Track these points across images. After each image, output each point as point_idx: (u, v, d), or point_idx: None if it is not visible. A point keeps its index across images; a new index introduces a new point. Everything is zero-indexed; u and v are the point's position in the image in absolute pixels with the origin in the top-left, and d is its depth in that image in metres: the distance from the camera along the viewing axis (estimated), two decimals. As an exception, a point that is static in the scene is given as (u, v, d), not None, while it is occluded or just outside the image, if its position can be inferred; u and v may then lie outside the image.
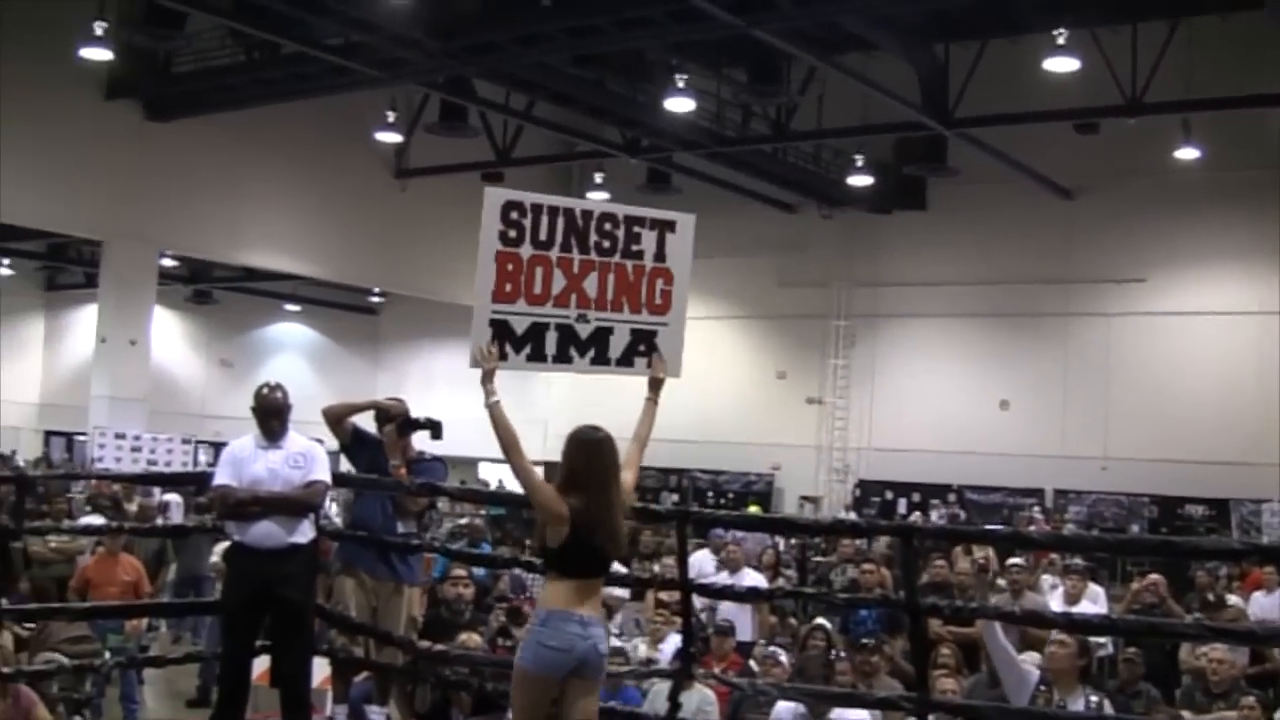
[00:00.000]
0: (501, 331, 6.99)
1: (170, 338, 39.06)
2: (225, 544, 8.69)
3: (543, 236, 7.02)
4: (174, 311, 39.42)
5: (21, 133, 25.59)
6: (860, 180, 28.94)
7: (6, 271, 40.36)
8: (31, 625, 11.01)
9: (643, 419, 7.20)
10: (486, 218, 6.95)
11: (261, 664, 8.73)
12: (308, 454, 8.28)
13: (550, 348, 7.14)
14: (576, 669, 6.41)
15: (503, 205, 6.98)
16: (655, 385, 7.31)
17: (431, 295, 34.88)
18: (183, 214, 28.41)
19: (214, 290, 40.66)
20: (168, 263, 32.84)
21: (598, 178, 32.36)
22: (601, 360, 7.30)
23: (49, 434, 38.89)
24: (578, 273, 7.11)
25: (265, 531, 8.04)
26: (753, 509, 25.05)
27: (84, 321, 37.74)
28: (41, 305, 43.25)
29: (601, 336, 7.24)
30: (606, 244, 7.19)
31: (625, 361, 7.39)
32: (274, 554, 8.02)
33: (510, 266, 6.98)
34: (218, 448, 32.17)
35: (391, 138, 29.65)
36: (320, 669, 9.25)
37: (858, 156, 28.35)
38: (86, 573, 12.64)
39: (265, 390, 8.45)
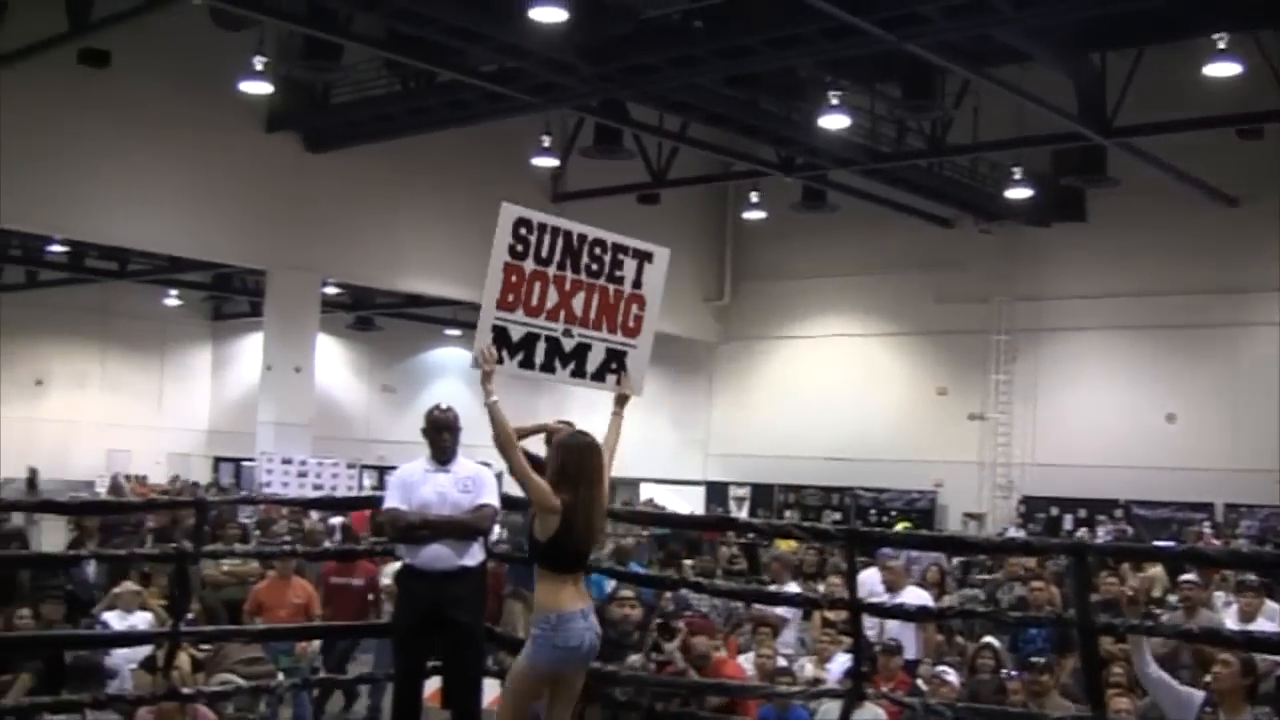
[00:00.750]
0: (500, 337, 7.49)
1: (333, 364, 39.78)
2: (396, 566, 8.79)
3: (544, 254, 7.59)
4: (337, 338, 40.14)
5: (186, 168, 26.34)
6: (1018, 193, 28.58)
7: (174, 302, 41.36)
8: (208, 647, 11.25)
9: (610, 431, 7.54)
10: (499, 231, 7.54)
11: (432, 685, 8.82)
12: (476, 478, 8.35)
13: (539, 357, 7.66)
14: (582, 659, 7.01)
15: (515, 221, 7.57)
16: (622, 401, 7.73)
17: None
18: (344, 242, 28.92)
19: (375, 317, 41.28)
20: (330, 290, 33.43)
21: (753, 197, 32.34)
22: (579, 373, 7.79)
23: (218, 460, 39.72)
24: (568, 290, 7.67)
25: (435, 554, 8.12)
26: (900, 526, 24.77)
27: (249, 349, 38.58)
28: (209, 334, 44.26)
29: (581, 351, 7.75)
30: (595, 266, 7.75)
31: (598, 376, 7.86)
32: (444, 576, 8.10)
33: (514, 278, 7.54)
34: (381, 471, 32.77)
35: (547, 162, 29.88)
36: (490, 690, 9.33)
37: (1015, 169, 28.01)
38: (259, 595, 12.85)
39: (436, 411, 8.55)
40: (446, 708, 8.56)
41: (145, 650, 10.43)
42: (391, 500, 8.36)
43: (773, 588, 13.45)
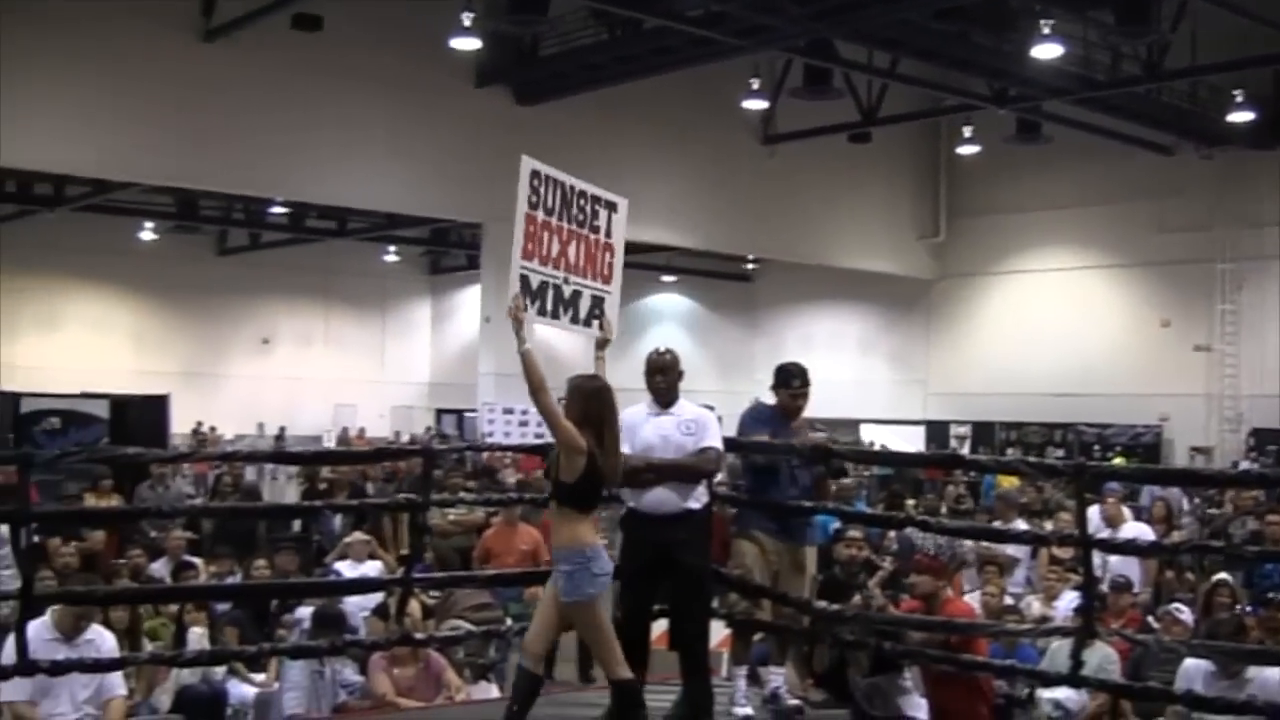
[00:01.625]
0: (524, 286, 7.69)
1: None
2: (620, 510, 8.79)
3: (549, 204, 7.82)
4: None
5: (400, 126, 26.78)
6: (1240, 116, 27.59)
7: (393, 259, 42.11)
8: (437, 594, 11.44)
9: (597, 371, 7.78)
10: (521, 183, 7.77)
11: (659, 628, 8.82)
12: (700, 420, 8.28)
13: (549, 304, 7.86)
14: (607, 587, 7.36)
15: (530, 172, 7.78)
16: (603, 345, 8.03)
17: (805, 259, 34.96)
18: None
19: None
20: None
21: (966, 131, 31.73)
22: (575, 320, 8.03)
23: (440, 412, 40.41)
24: (565, 240, 7.91)
25: (660, 498, 8.08)
26: (1117, 461, 24.19)
27: (468, 302, 39.15)
28: (428, 289, 45.01)
29: (575, 298, 8.02)
30: (580, 216, 8.02)
31: (586, 323, 8.13)
32: (669, 520, 8.06)
33: (532, 228, 7.77)
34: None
35: (757, 105, 29.66)
36: (717, 631, 9.30)
37: (1236, 92, 27.03)
38: (487, 543, 13.04)
39: (654, 354, 8.51)
40: (674, 650, 8.54)
41: (376, 598, 10.64)
42: (616, 444, 8.35)
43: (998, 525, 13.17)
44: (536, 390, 7.11)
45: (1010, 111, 29.50)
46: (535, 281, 7.74)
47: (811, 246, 34.05)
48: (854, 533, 10.30)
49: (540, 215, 7.78)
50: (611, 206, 8.25)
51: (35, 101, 22.92)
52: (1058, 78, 26.11)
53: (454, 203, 28.88)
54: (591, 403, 7.27)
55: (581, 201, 8.01)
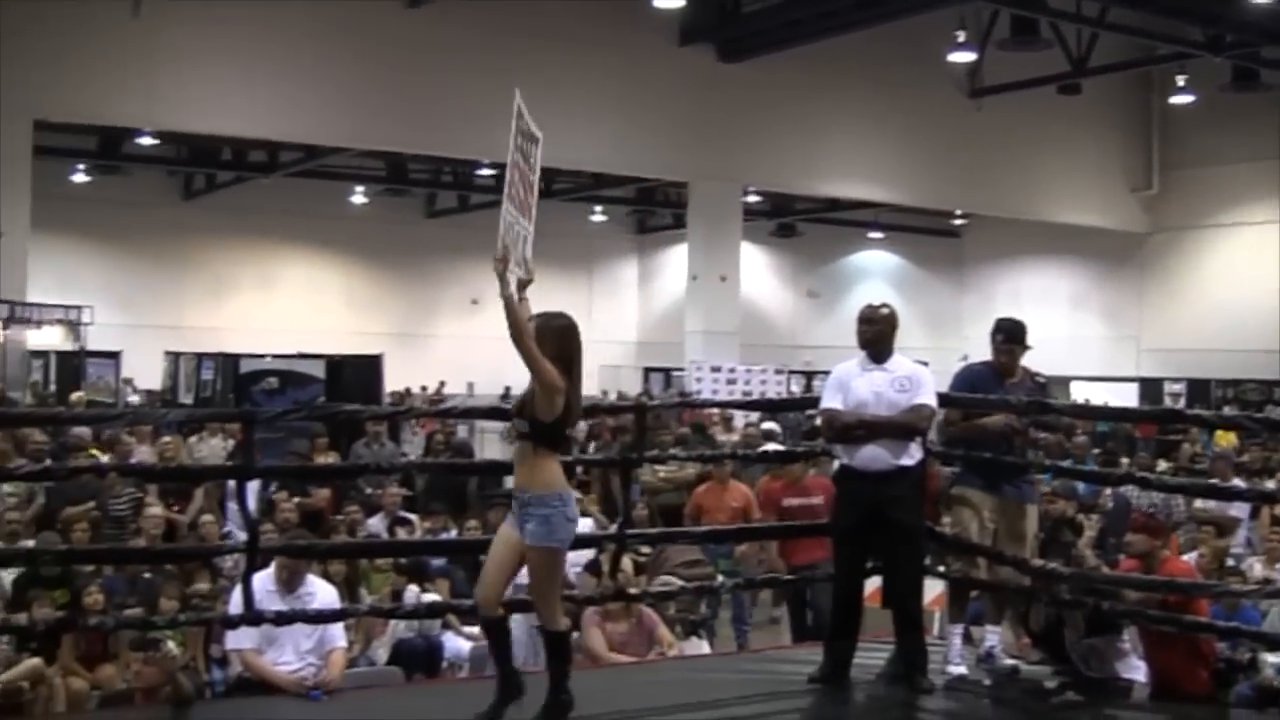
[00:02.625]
0: (508, 231, 7.31)
1: (758, 271, 40.19)
2: (834, 466, 8.74)
3: (517, 143, 7.45)
4: (759, 246, 40.44)
5: (605, 86, 26.94)
6: None
7: (600, 218, 42.34)
8: (647, 550, 11.50)
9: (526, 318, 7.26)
10: (514, 121, 7.45)
11: (873, 584, 8.77)
12: (914, 377, 8.19)
13: (518, 250, 7.40)
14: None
15: (517, 110, 7.46)
16: (525, 286, 7.45)
17: (1014, 214, 34.38)
18: (761, 150, 28.98)
19: (797, 223, 41.40)
20: (751, 199, 33.67)
21: (1180, 80, 30.78)
22: (521, 263, 7.45)
23: (647, 370, 40.59)
24: (518, 179, 7.50)
25: (872, 455, 8.01)
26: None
27: (674, 261, 39.20)
28: (634, 248, 45.18)
29: (526, 241, 7.50)
30: (521, 151, 7.53)
31: (525, 263, 7.54)
32: (881, 476, 7.99)
33: (515, 174, 7.47)
34: (809, 377, 32.91)
35: (963, 57, 29.10)
36: (930, 589, 9.22)
37: None
38: (698, 499, 13.07)
39: (866, 308, 8.43)
40: (886, 607, 8.49)
41: (588, 554, 10.72)
42: (828, 400, 8.28)
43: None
44: (519, 336, 6.93)
45: (1226, 59, 28.53)
46: (511, 228, 7.38)
47: (1020, 200, 33.43)
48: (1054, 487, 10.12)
49: (514, 156, 7.48)
50: (537, 140, 7.72)
51: (249, 72, 23.58)
52: (1277, 22, 25.20)
53: (659, 162, 28.97)
54: (563, 340, 7.19)
55: (520, 138, 7.53)
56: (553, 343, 7.11)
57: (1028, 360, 8.82)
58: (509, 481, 7.80)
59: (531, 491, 6.93)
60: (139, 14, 22.91)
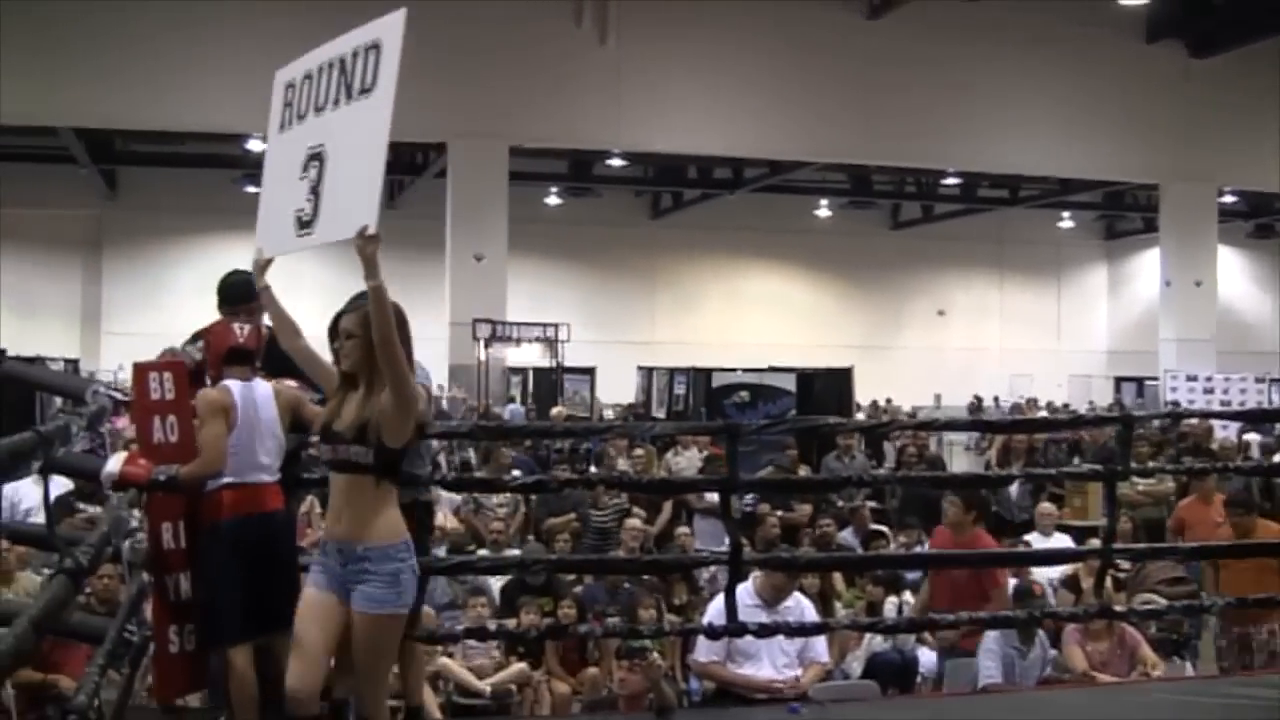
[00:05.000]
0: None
1: (1234, 275, 38.56)
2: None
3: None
4: (1236, 248, 38.80)
5: (1067, 87, 26.50)
6: None
7: (1067, 225, 41.40)
8: (1126, 567, 11.17)
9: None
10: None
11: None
12: None
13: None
14: None
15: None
16: (265, 266, 5.79)
17: None
18: (1238, 148, 27.80)
19: (1277, 223, 39.45)
20: (1226, 199, 32.33)
21: None
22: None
23: (1119, 380, 39.42)
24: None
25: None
26: None
27: (1146, 267, 38.02)
28: (1103, 254, 43.98)
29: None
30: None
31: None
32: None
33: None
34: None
35: None
36: None
37: None
38: (1181, 514, 12.62)
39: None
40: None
41: (1060, 570, 10.51)
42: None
43: None
44: (389, 332, 5.17)
45: None
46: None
47: None
48: None
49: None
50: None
51: (712, 91, 24.27)
52: None
53: (1128, 164, 28.23)
54: (407, 335, 5.44)
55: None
56: (403, 340, 5.36)
57: None
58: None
59: (369, 543, 5.30)
60: (605, 42, 23.87)
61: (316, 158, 5.59)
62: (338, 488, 5.40)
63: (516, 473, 12.95)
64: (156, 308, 29.69)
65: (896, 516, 14.46)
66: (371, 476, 5.32)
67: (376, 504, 5.36)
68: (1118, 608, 9.08)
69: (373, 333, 5.21)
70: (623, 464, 15.70)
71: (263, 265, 5.73)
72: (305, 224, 5.55)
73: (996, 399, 36.03)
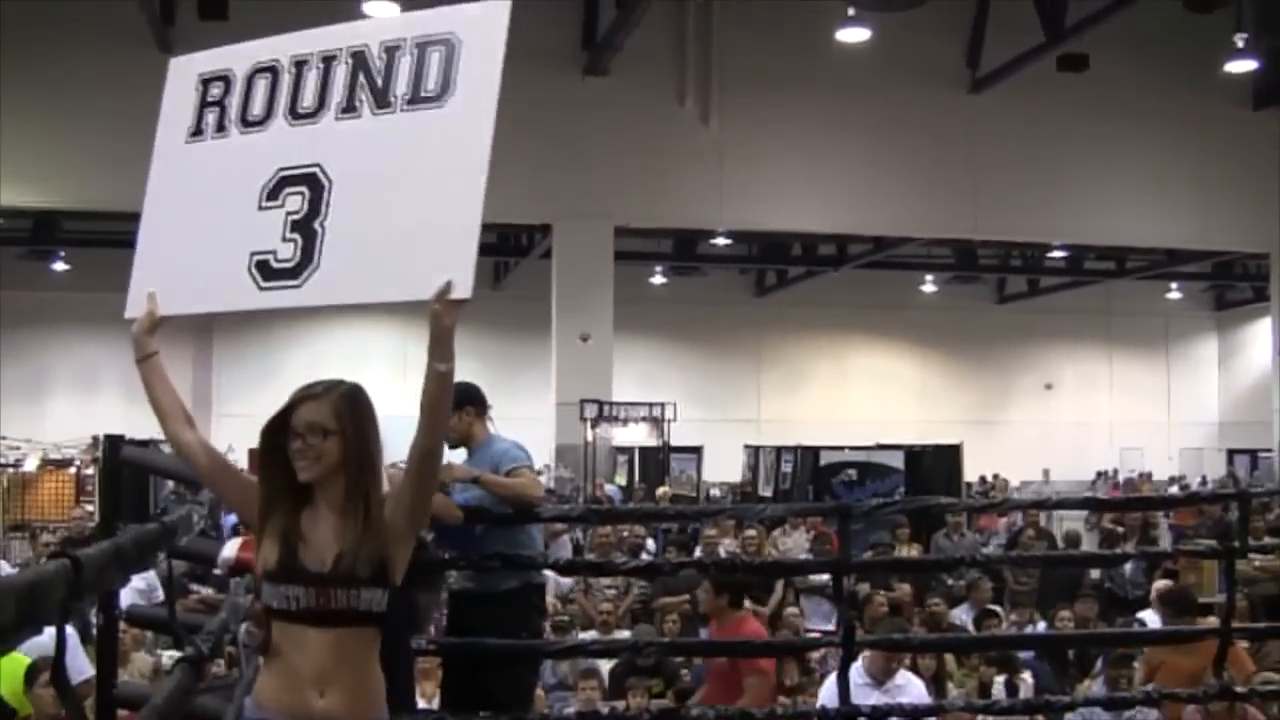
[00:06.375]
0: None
1: (1348, 344, 37.92)
2: None
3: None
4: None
5: (1174, 157, 26.67)
6: None
7: (1175, 295, 40.98)
8: (1246, 645, 10.97)
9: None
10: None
11: None
12: None
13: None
14: None
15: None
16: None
17: None
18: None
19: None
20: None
21: None
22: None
23: (1231, 452, 38.83)
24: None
25: None
26: None
27: (1258, 336, 37.51)
28: (1213, 325, 43.40)
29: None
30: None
31: None
32: None
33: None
34: None
35: None
36: None
37: None
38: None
39: None
40: None
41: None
42: None
43: None
44: (437, 448, 4.05)
45: None
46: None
47: None
48: None
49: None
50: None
51: (814, 168, 24.46)
52: None
53: (1237, 233, 27.96)
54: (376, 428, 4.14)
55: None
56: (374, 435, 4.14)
57: None
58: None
59: None
60: (708, 122, 24.10)
61: (304, 182, 4.18)
62: (312, 647, 3.87)
63: (621, 556, 12.97)
64: (267, 388, 30.12)
65: (1011, 594, 14.38)
66: (374, 629, 3.97)
67: (371, 667, 4.00)
68: (1239, 688, 8.92)
69: (422, 437, 3.97)
70: (730, 544, 15.68)
71: (150, 326, 4.28)
72: (283, 273, 4.14)
73: (1104, 473, 35.61)
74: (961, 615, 13.17)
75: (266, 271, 4.15)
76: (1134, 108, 25.87)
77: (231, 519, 11.16)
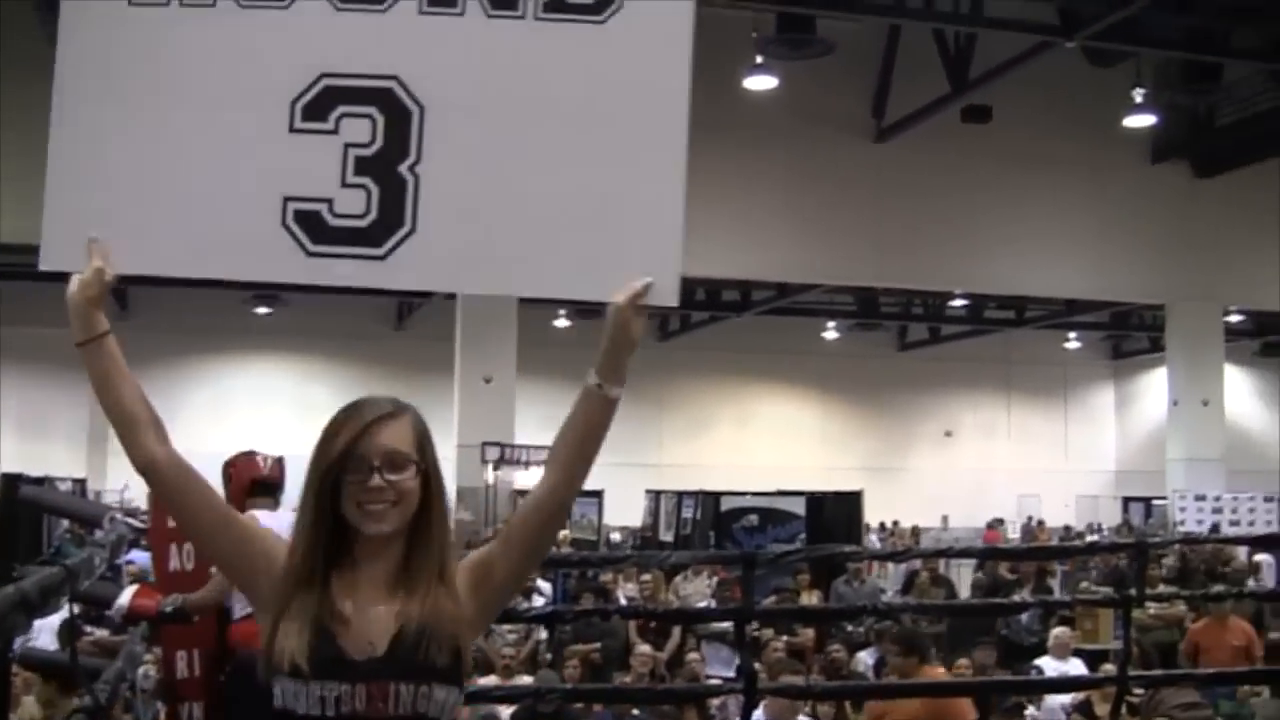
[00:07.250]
0: None
1: (1242, 394, 38.58)
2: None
3: None
4: (1243, 367, 38.89)
5: (1075, 210, 26.83)
6: None
7: (1074, 345, 41.50)
8: (1140, 691, 11.07)
9: None
10: None
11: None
12: None
13: None
14: None
15: None
16: None
17: None
18: (1243, 268, 27.81)
19: (1285, 341, 39.62)
20: (1233, 318, 32.42)
21: None
22: None
23: (1126, 500, 39.32)
24: None
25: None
26: None
27: (1153, 386, 38.11)
28: (1110, 374, 44.00)
29: None
30: None
31: None
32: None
33: None
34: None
35: None
36: None
37: None
38: (1195, 637, 12.56)
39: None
40: None
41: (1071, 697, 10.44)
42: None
43: None
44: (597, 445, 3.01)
45: None
46: None
47: None
48: None
49: None
50: None
51: (716, 216, 24.34)
52: None
53: (1135, 285, 28.32)
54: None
55: None
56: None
57: None
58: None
59: None
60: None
61: (371, 100, 2.85)
62: None
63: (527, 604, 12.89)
64: (168, 426, 29.67)
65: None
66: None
67: None
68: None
69: (565, 484, 2.92)
70: (630, 588, 15.64)
71: (99, 289, 2.98)
72: (350, 236, 2.87)
73: (1001, 520, 35.95)
74: (867, 659, 13.19)
75: (316, 228, 2.86)
76: (1036, 159, 26.15)
77: (133, 556, 10.59)
